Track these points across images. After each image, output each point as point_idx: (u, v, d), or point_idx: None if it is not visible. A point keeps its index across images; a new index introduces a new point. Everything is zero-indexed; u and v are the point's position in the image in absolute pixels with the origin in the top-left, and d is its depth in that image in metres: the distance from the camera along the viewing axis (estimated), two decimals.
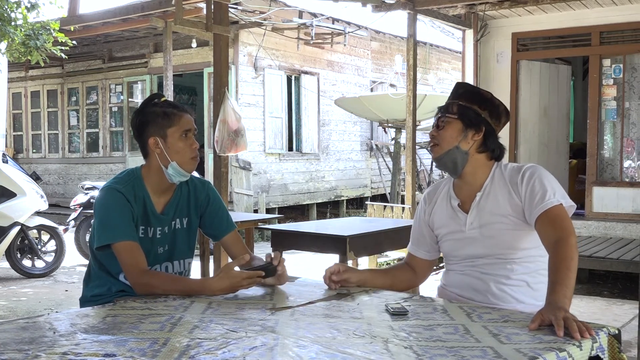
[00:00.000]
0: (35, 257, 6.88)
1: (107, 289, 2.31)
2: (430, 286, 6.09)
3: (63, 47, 7.68)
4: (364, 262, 7.19)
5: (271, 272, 2.16)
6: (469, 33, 8.42)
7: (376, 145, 13.38)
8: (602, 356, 1.64)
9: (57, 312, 2.56)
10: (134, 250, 2.20)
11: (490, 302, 2.18)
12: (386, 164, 12.64)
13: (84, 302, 2.34)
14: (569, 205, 2.14)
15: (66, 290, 6.21)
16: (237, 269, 2.12)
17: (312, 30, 11.14)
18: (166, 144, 2.28)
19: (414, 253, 2.46)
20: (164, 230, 2.35)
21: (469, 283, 2.25)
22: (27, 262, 6.90)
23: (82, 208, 7.56)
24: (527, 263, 2.20)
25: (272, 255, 2.20)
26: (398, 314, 1.86)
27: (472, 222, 2.24)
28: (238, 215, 6.28)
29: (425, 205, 2.43)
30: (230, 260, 2.41)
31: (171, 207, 2.37)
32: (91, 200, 7.32)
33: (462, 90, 2.31)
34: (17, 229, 6.52)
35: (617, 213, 7.55)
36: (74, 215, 7.64)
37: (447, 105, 2.29)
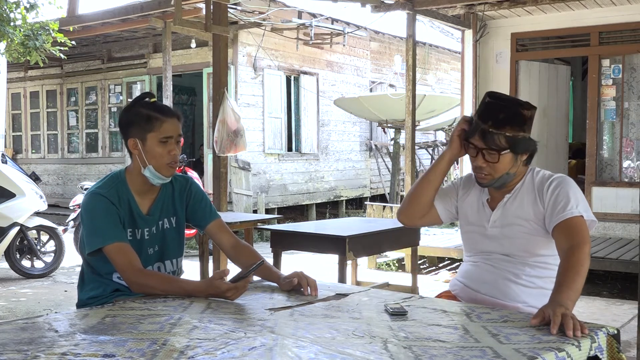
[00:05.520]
0: (35, 258, 6.86)
1: (103, 290, 2.31)
2: (430, 286, 6.10)
3: (62, 48, 7.68)
4: (363, 263, 7.19)
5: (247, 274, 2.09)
6: (468, 33, 8.42)
7: (375, 145, 13.38)
8: (600, 356, 1.65)
9: (56, 312, 2.57)
10: (126, 250, 2.20)
11: (496, 297, 2.22)
12: (385, 164, 12.63)
13: (81, 306, 2.34)
14: (591, 219, 2.17)
15: (65, 291, 6.20)
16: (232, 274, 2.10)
17: (311, 30, 11.13)
18: (144, 147, 2.27)
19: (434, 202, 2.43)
20: (152, 231, 2.35)
21: (480, 275, 2.30)
22: (26, 263, 6.88)
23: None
24: (542, 269, 2.24)
25: (299, 275, 2.17)
26: (397, 314, 1.87)
27: (496, 221, 2.29)
28: (237, 215, 6.27)
29: (461, 185, 2.44)
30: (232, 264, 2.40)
31: (157, 208, 2.37)
32: None
33: (502, 116, 2.17)
34: (16, 229, 6.50)
35: (616, 213, 7.55)
36: (73, 215, 7.62)
37: (493, 136, 2.16)
